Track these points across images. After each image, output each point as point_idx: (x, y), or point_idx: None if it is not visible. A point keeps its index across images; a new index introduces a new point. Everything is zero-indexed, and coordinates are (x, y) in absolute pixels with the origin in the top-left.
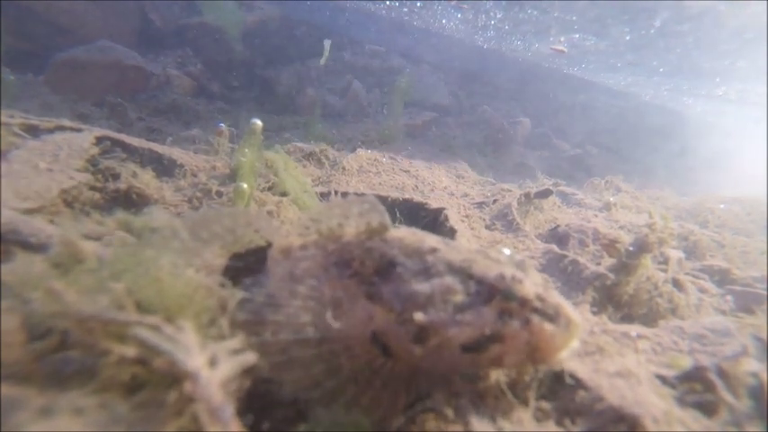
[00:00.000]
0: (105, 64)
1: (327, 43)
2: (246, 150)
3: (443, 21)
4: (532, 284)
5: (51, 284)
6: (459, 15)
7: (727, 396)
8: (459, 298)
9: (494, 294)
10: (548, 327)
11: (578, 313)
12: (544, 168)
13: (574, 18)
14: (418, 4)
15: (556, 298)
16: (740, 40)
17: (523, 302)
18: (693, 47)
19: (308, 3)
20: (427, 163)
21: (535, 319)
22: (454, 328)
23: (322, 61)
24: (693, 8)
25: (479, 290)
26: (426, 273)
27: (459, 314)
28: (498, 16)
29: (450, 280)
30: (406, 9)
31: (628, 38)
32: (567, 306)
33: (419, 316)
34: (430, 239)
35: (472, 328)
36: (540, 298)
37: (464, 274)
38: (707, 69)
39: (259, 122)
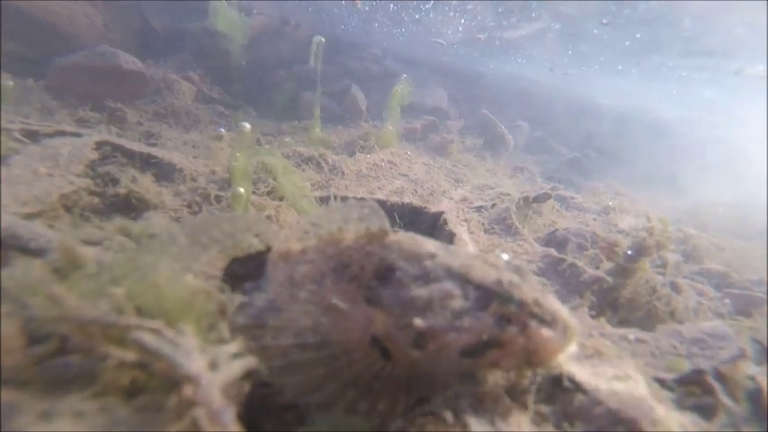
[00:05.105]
0: (105, 69)
1: (317, 39)
2: (238, 154)
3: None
4: (530, 289)
5: (51, 289)
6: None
7: (725, 399)
8: (458, 303)
9: (492, 299)
10: (545, 332)
11: (575, 318)
12: (543, 172)
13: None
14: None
15: (553, 303)
16: None
17: (521, 307)
18: None
19: (308, 9)
20: (426, 167)
21: (533, 324)
22: (453, 334)
23: (311, 62)
24: None
25: (478, 295)
26: (425, 278)
27: (457, 320)
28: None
29: (448, 285)
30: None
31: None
32: (564, 311)
33: (418, 322)
34: (428, 244)
35: (470, 334)
36: (537, 303)
37: (462, 279)
38: None
39: (248, 125)
